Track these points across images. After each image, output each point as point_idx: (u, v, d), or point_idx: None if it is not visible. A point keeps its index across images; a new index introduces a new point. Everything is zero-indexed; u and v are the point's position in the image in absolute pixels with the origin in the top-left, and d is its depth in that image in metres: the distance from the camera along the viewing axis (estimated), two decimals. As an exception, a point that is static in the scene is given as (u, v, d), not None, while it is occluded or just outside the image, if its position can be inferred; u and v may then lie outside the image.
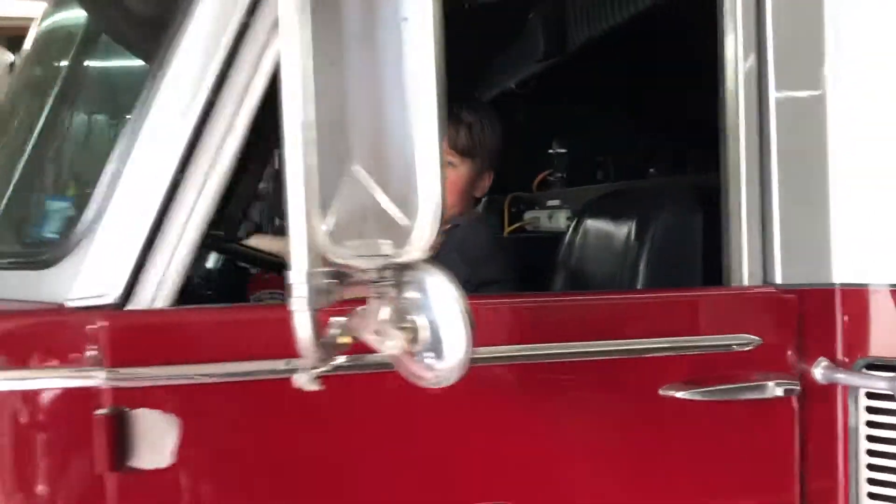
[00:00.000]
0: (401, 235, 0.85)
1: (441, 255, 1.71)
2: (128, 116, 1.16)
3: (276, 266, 1.61)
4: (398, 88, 0.84)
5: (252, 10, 1.15)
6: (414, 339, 0.88)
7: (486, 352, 1.06)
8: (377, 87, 0.86)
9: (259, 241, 1.60)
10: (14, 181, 1.41)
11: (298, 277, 0.83)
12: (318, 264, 0.83)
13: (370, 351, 0.94)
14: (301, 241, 0.82)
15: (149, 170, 1.13)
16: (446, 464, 1.16)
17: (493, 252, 1.72)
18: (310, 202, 0.82)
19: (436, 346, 0.89)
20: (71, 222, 1.16)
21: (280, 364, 1.10)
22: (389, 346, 0.87)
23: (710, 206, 1.80)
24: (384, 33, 0.87)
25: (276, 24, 1.13)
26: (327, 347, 0.86)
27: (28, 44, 1.54)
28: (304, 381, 0.88)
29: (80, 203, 1.22)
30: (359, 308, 0.90)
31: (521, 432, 1.19)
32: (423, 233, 0.83)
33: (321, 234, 0.87)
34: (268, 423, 1.12)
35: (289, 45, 0.83)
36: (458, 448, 1.16)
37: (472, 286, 1.56)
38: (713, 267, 1.57)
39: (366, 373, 1.09)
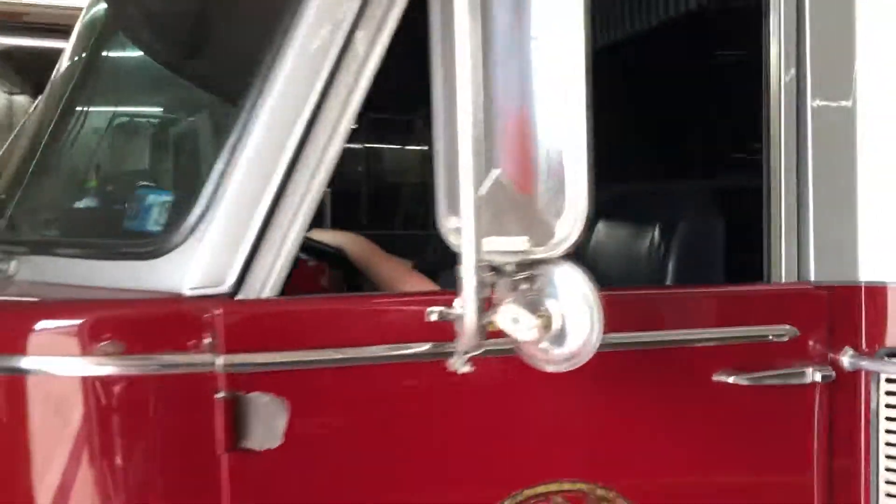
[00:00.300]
0: (543, 234, 0.95)
1: None
2: (234, 113, 1.22)
3: (334, 258, 1.67)
4: (545, 99, 0.93)
5: (356, 23, 1.22)
6: (547, 327, 0.97)
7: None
8: (524, 96, 0.94)
9: (320, 234, 1.66)
10: (112, 175, 1.44)
11: (468, 271, 0.91)
12: (479, 259, 0.92)
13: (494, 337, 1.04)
14: (470, 238, 0.91)
15: (260, 164, 1.20)
16: (548, 442, 1.26)
17: None
18: (477, 203, 0.90)
19: (564, 334, 0.99)
20: (180, 214, 1.21)
21: (386, 350, 1.19)
22: (526, 332, 0.96)
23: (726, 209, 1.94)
24: (525, 48, 0.96)
25: (376, 35, 1.22)
26: (481, 333, 0.95)
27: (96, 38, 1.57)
28: (459, 363, 0.97)
29: (185, 196, 1.27)
30: (499, 298, 0.99)
31: (607, 413, 1.30)
32: (569, 232, 0.92)
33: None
34: (378, 406, 1.20)
35: (462, 55, 0.90)
36: (556, 429, 1.26)
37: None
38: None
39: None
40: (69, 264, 1.37)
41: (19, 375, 1.14)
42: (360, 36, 1.22)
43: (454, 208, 1.01)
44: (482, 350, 0.97)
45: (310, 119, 1.20)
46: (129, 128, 1.56)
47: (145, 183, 1.44)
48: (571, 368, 1.00)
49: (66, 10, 3.89)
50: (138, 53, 1.56)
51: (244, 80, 1.21)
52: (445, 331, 1.08)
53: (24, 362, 1.14)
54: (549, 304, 0.97)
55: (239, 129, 1.20)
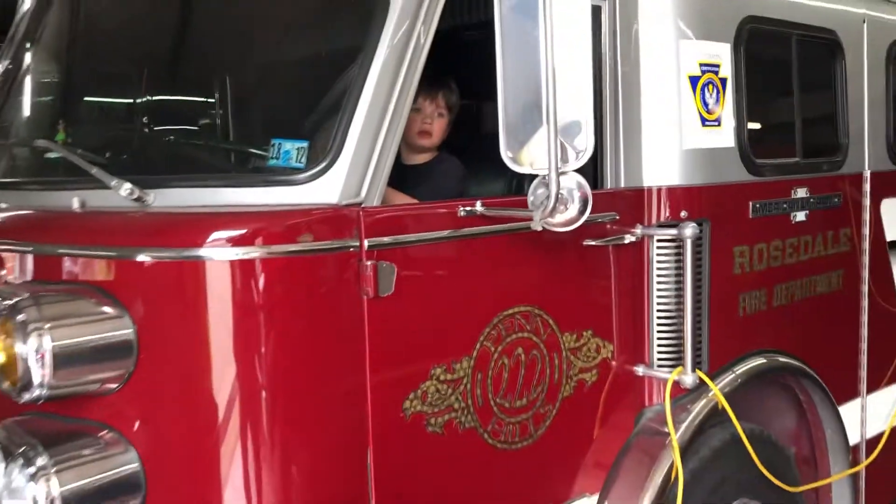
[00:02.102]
0: (567, 159, 1.87)
1: (436, 171, 2.69)
2: (356, 75, 1.93)
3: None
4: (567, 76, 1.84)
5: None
6: (565, 209, 1.91)
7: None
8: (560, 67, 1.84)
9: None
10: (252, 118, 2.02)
11: (547, 177, 1.82)
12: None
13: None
14: (554, 161, 1.80)
15: (373, 118, 1.94)
16: (513, 285, 2.22)
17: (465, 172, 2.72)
18: (553, 138, 1.80)
19: (573, 211, 1.93)
20: (317, 152, 1.91)
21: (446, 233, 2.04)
22: (560, 216, 1.90)
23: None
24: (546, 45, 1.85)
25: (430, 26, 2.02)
26: (546, 211, 1.86)
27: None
28: (538, 224, 1.88)
29: (316, 132, 1.96)
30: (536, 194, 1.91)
31: (538, 267, 2.29)
32: (584, 158, 1.86)
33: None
34: (439, 267, 2.05)
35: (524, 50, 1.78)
36: (517, 277, 2.22)
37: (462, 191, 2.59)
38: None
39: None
40: (208, 193, 1.98)
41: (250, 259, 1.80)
42: (421, 28, 2.02)
43: (510, 145, 1.90)
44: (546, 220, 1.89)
45: (401, 82, 1.97)
46: (265, 77, 2.15)
47: (282, 127, 2.07)
48: (573, 227, 1.96)
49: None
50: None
51: (360, 54, 1.94)
52: (475, 221, 2.00)
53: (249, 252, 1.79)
54: (564, 192, 1.91)
55: (358, 88, 1.93)
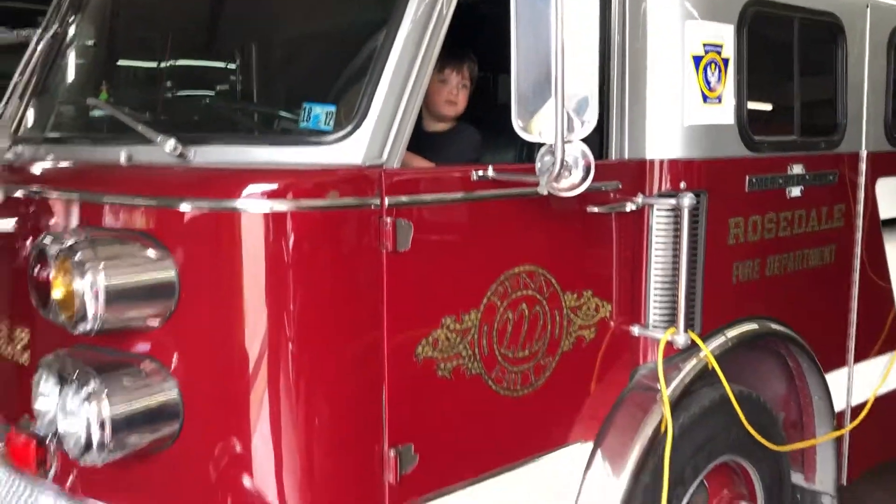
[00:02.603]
0: (573, 129, 2.04)
1: (456, 140, 2.87)
2: (381, 45, 2.11)
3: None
4: (576, 52, 2.01)
5: None
6: (569, 175, 2.09)
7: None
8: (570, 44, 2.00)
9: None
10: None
11: (553, 145, 2.00)
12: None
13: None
14: (560, 131, 1.97)
15: (396, 85, 2.12)
16: (519, 245, 2.41)
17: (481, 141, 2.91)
18: (560, 109, 1.97)
19: (577, 177, 2.11)
20: (344, 116, 2.09)
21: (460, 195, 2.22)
22: (565, 182, 2.07)
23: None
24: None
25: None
26: (552, 177, 2.04)
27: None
28: (544, 188, 2.05)
29: (343, 97, 2.14)
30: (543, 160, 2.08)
31: (543, 229, 2.47)
32: (588, 128, 2.04)
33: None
34: (450, 226, 2.24)
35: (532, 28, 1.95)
36: (522, 237, 2.40)
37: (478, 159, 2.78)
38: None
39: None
40: (243, 151, 2.17)
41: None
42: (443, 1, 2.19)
43: (521, 115, 2.07)
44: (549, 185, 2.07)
45: (423, 53, 2.14)
46: (298, 45, 2.34)
47: (312, 92, 2.25)
48: (578, 192, 2.14)
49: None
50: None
51: (385, 25, 2.11)
52: (486, 185, 2.18)
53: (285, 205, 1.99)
54: (569, 159, 2.08)
55: (383, 58, 2.10)
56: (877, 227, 3.72)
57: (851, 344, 3.68)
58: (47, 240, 2.04)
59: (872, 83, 3.56)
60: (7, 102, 2.80)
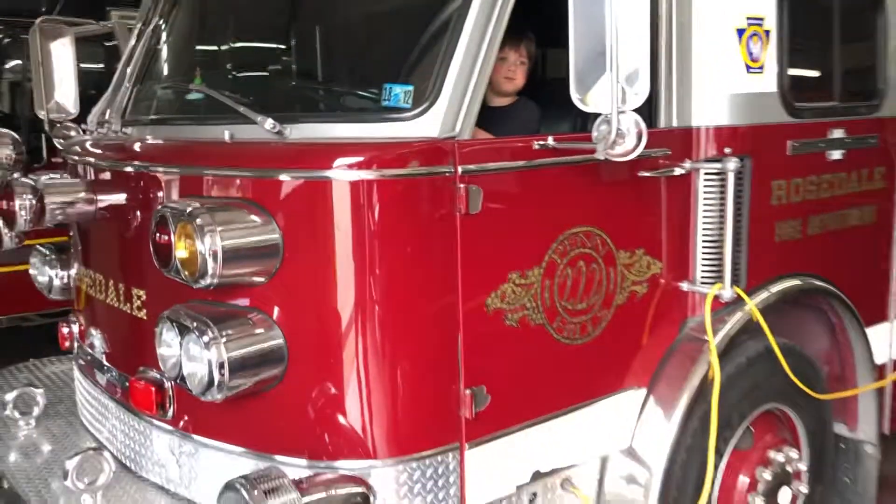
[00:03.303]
0: (626, 100, 2.27)
1: (518, 114, 3.11)
2: (452, 29, 2.37)
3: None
4: (627, 30, 2.23)
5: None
6: (623, 142, 2.32)
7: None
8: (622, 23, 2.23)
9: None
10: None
11: (609, 116, 2.23)
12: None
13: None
14: (615, 102, 2.21)
15: (467, 68, 2.37)
16: (577, 208, 2.66)
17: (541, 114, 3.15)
18: (615, 82, 2.20)
19: (630, 143, 2.34)
20: (420, 94, 2.36)
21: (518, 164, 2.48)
22: (619, 148, 2.31)
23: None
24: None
25: None
26: (608, 144, 2.28)
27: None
28: (601, 154, 2.30)
29: (419, 78, 2.41)
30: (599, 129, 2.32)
31: (602, 194, 2.71)
32: (640, 99, 2.27)
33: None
34: (539, 191, 2.50)
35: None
36: (580, 202, 2.66)
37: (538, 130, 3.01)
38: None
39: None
40: (332, 127, 2.45)
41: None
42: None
43: (579, 88, 2.31)
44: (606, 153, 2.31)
45: (490, 36, 2.39)
46: (380, 32, 2.64)
47: (392, 73, 2.52)
48: (634, 156, 2.37)
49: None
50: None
51: (456, 11, 2.37)
52: (547, 154, 2.43)
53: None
54: (623, 128, 2.31)
55: (454, 42, 2.36)
56: (918, 187, 3.88)
57: (892, 300, 3.86)
58: (168, 208, 2.35)
59: (912, 49, 3.71)
60: (114, 88, 3.12)
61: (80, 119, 3.89)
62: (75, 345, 3.40)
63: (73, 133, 3.88)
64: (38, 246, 3.58)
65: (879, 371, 3.81)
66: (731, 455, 3.19)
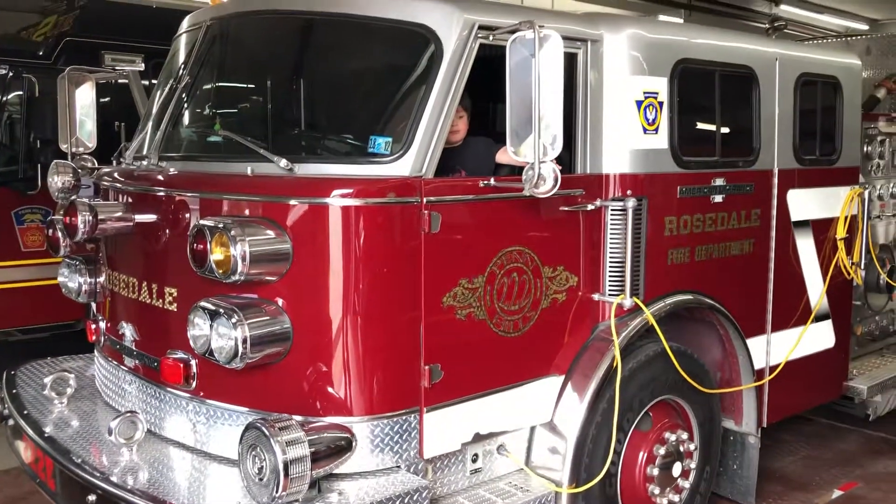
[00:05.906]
0: (546, 154, 3.13)
1: (468, 152, 3.97)
2: (419, 97, 3.22)
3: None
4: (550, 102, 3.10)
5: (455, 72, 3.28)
6: (544, 183, 3.17)
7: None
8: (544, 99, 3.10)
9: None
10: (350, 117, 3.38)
11: (533, 164, 3.09)
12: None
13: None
14: (537, 155, 3.06)
15: (432, 124, 3.22)
16: (517, 231, 3.50)
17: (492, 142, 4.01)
18: (538, 141, 3.06)
19: (549, 185, 3.20)
20: (403, 143, 3.20)
21: (469, 196, 3.32)
22: (541, 188, 3.16)
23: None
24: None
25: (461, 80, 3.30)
26: (532, 184, 3.13)
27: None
28: (527, 192, 3.15)
29: (396, 132, 3.24)
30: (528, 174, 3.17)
31: (533, 220, 3.57)
32: (554, 153, 3.13)
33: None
34: (470, 218, 3.33)
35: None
36: (522, 225, 3.51)
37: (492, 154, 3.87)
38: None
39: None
40: (329, 167, 3.27)
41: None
42: (461, 69, 3.29)
43: (513, 142, 3.16)
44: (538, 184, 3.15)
45: (448, 102, 3.25)
46: (367, 98, 3.49)
47: (376, 127, 3.37)
48: (549, 195, 3.22)
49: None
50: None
51: (424, 82, 3.24)
52: (490, 190, 3.28)
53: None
54: (544, 173, 3.17)
55: (423, 106, 3.22)
56: (788, 226, 4.83)
57: (769, 316, 4.77)
58: (205, 222, 3.13)
59: (782, 116, 4.67)
60: (141, 128, 3.89)
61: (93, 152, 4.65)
62: (102, 338, 4.12)
63: (89, 164, 4.62)
64: (66, 259, 4.29)
65: (758, 375, 4.70)
66: (633, 434, 4.03)
